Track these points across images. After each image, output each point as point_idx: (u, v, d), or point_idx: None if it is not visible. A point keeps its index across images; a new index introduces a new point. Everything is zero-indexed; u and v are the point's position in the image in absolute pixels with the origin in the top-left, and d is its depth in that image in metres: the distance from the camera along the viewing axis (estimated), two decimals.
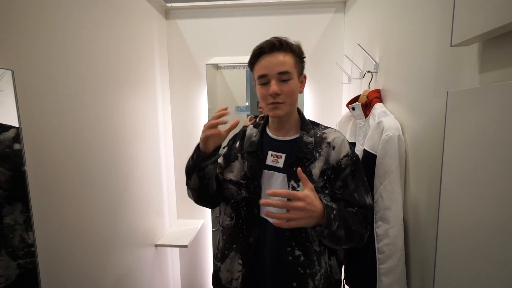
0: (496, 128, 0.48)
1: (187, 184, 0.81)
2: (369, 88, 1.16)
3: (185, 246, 1.53)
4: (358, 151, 1.10)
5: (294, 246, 0.74)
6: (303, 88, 0.80)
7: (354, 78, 1.42)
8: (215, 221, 1.79)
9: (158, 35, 1.59)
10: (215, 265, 0.85)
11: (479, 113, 0.51)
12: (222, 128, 0.73)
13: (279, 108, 0.74)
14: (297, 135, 0.80)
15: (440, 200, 0.62)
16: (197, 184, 0.77)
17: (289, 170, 0.76)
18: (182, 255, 1.87)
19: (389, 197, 0.86)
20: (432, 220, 0.74)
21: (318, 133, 0.80)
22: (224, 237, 0.82)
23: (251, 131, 0.87)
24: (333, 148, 0.77)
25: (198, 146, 0.76)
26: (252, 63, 0.77)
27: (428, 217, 0.77)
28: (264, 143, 0.82)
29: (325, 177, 0.75)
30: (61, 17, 0.84)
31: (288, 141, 0.80)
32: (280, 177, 0.77)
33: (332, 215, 0.66)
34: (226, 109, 0.70)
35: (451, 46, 0.57)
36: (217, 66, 1.71)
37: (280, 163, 0.77)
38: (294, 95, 0.76)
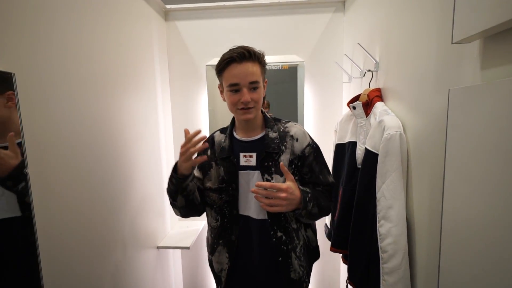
0: (499, 126, 0.48)
1: (173, 205, 0.90)
2: (369, 87, 1.16)
3: (187, 248, 1.53)
4: (360, 150, 1.09)
5: (276, 230, 0.86)
6: (265, 91, 0.89)
7: (354, 77, 1.42)
8: None
9: (158, 36, 1.60)
10: (208, 257, 0.97)
11: (481, 110, 0.51)
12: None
13: (249, 112, 0.83)
14: (263, 133, 0.88)
15: (443, 198, 0.62)
16: (184, 202, 0.86)
17: (261, 166, 0.85)
18: (184, 257, 1.87)
19: (391, 195, 0.86)
20: (436, 218, 0.74)
21: (281, 128, 0.89)
22: (212, 235, 0.93)
23: (219, 137, 0.93)
24: (296, 140, 0.88)
25: (174, 169, 0.83)
26: (221, 70, 0.83)
27: (431, 216, 0.77)
28: (234, 147, 0.89)
29: (293, 166, 0.87)
30: (60, 20, 0.84)
31: (256, 140, 0.88)
32: (255, 174, 0.85)
33: (307, 198, 0.81)
34: (199, 132, 0.77)
35: (452, 43, 0.57)
36: None
37: (253, 162, 0.86)
38: (261, 100, 0.86)
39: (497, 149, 0.48)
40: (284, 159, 0.85)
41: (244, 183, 0.87)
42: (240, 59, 0.79)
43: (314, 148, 0.89)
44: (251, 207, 0.87)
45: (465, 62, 0.62)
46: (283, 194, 0.76)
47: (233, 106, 0.84)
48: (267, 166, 0.85)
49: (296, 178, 0.86)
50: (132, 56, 1.29)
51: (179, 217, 1.84)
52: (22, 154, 0.67)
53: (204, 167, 0.92)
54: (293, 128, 0.90)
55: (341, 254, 1.29)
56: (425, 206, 0.80)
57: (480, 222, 0.52)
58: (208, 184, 0.90)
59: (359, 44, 1.17)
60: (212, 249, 0.93)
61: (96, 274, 0.99)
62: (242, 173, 0.87)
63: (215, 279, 0.96)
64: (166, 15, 1.69)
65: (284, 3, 1.62)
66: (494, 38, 0.53)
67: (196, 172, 0.93)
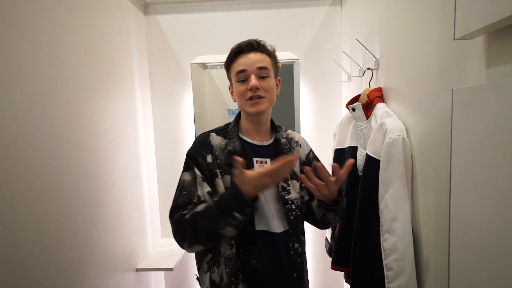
0: (506, 127, 0.48)
1: (202, 242, 0.77)
2: (369, 86, 1.18)
3: (171, 270, 1.50)
4: (360, 155, 1.10)
5: (295, 240, 0.85)
6: (278, 91, 0.88)
7: (353, 76, 1.43)
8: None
9: (136, 32, 1.59)
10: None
11: (486, 111, 0.52)
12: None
13: (260, 103, 0.81)
14: (273, 138, 0.89)
15: (450, 207, 0.62)
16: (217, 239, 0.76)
17: None
18: (167, 279, 1.83)
19: (395, 206, 0.86)
20: (444, 229, 0.74)
21: (284, 135, 0.92)
22: (227, 270, 0.79)
23: (218, 140, 0.85)
24: (300, 146, 0.93)
25: (240, 200, 0.70)
26: (230, 62, 0.84)
27: (439, 227, 0.77)
28: (245, 150, 0.84)
29: (300, 173, 0.88)
30: (27, 13, 0.83)
31: (269, 145, 0.88)
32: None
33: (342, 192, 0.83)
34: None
35: (454, 39, 0.58)
36: (204, 66, 1.71)
37: None
38: (273, 92, 0.84)
39: (505, 152, 0.49)
40: (296, 166, 0.88)
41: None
42: (248, 49, 0.81)
43: (314, 154, 0.96)
44: (270, 220, 0.81)
45: (469, 59, 0.63)
46: (332, 178, 0.74)
47: (241, 98, 0.82)
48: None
49: (303, 185, 0.87)
50: (107, 54, 1.28)
51: (162, 236, 1.82)
52: None
53: (207, 179, 0.81)
54: (295, 135, 0.95)
55: (343, 273, 1.28)
56: (432, 217, 0.80)
57: (490, 232, 0.52)
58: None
59: (357, 40, 1.19)
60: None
61: None
62: None
63: None
64: (146, 9, 1.69)
65: None
66: (499, 33, 0.55)
67: (205, 186, 0.80)
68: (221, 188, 0.80)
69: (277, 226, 0.83)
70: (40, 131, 0.88)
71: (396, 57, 0.99)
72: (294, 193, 0.86)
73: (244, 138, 0.86)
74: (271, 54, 0.85)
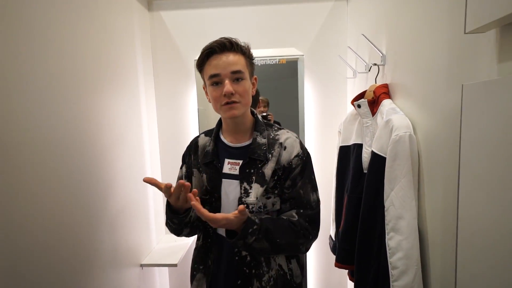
0: None
1: (176, 234, 0.91)
2: (376, 82, 1.16)
3: (175, 265, 1.51)
4: (366, 153, 1.09)
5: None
6: (255, 90, 0.87)
7: (359, 72, 1.41)
8: None
9: (140, 28, 1.59)
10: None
11: (498, 107, 0.51)
12: None
13: (234, 108, 0.80)
14: (251, 140, 0.86)
15: (458, 206, 0.61)
16: (189, 230, 0.89)
17: (241, 172, 0.83)
18: (171, 275, 1.84)
19: (401, 204, 0.85)
20: (451, 228, 0.73)
21: (271, 135, 0.87)
22: (193, 257, 0.92)
23: (203, 140, 0.92)
24: (285, 148, 0.85)
25: (170, 209, 0.83)
26: (201, 63, 0.82)
27: (446, 226, 0.76)
28: (220, 151, 0.88)
29: (275, 177, 0.83)
30: (30, 10, 0.83)
31: (245, 147, 0.86)
32: (235, 184, 0.84)
33: (250, 230, 0.74)
34: (168, 186, 0.74)
35: (464, 33, 0.56)
36: None
37: (238, 170, 0.84)
38: (248, 95, 0.82)
39: None
40: (268, 168, 0.82)
41: (225, 193, 0.85)
42: (220, 49, 0.78)
43: (303, 160, 0.85)
44: None
45: (480, 54, 0.61)
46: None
47: (216, 103, 0.81)
48: (248, 173, 0.82)
49: (276, 192, 0.84)
50: (111, 51, 1.28)
51: (166, 232, 1.83)
52: None
53: (188, 176, 0.91)
54: (283, 135, 0.87)
55: (347, 270, 1.28)
56: (439, 216, 0.79)
57: (499, 232, 0.51)
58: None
59: (363, 35, 1.17)
60: (192, 276, 0.91)
61: None
62: (225, 181, 0.85)
63: None
64: (150, 5, 1.69)
65: None
66: None
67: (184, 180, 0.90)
68: (195, 186, 0.88)
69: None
70: (45, 128, 0.88)
71: (404, 52, 0.97)
72: (253, 197, 0.81)
73: (222, 138, 0.89)
74: (245, 53, 0.81)
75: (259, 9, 1.66)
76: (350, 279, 1.21)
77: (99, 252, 1.15)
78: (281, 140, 0.86)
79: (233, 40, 0.79)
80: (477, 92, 0.56)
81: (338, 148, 1.33)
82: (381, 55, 1.12)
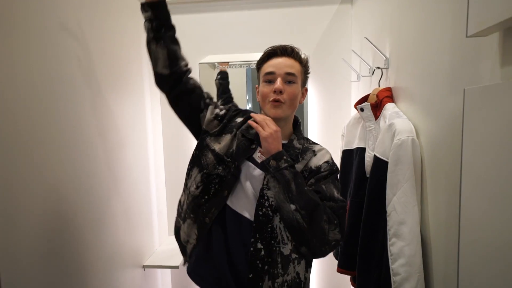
0: None
1: (154, 48, 0.94)
2: (379, 86, 1.15)
3: (177, 267, 1.51)
4: (368, 157, 1.08)
5: (258, 238, 0.81)
6: (303, 100, 0.90)
7: (363, 76, 1.41)
8: None
9: None
10: (177, 221, 0.94)
11: (500, 112, 0.50)
12: None
13: (279, 107, 0.83)
14: (288, 140, 0.89)
15: (460, 212, 0.60)
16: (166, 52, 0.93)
17: (267, 163, 0.82)
18: (174, 277, 1.84)
19: (403, 210, 0.84)
20: (454, 235, 0.72)
21: (305, 144, 0.91)
22: (187, 201, 0.90)
23: (243, 120, 0.93)
24: (315, 155, 0.88)
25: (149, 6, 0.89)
26: (261, 63, 0.87)
27: (449, 232, 0.75)
28: (258, 139, 0.87)
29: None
30: (36, 12, 0.85)
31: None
32: (258, 175, 0.84)
33: (285, 157, 0.79)
34: None
35: (466, 36, 0.55)
36: (214, 66, 1.71)
37: None
38: (295, 100, 0.86)
39: None
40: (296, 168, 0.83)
41: (244, 176, 0.84)
42: (281, 53, 0.84)
43: (332, 169, 0.86)
44: (244, 204, 0.84)
45: (483, 58, 0.60)
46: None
47: (265, 99, 0.84)
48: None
49: None
50: (117, 53, 1.30)
51: (169, 233, 1.83)
52: None
53: (224, 127, 0.89)
54: (317, 147, 0.91)
55: (349, 276, 1.26)
56: (442, 221, 0.78)
57: (502, 238, 0.50)
58: (214, 146, 0.87)
59: (366, 38, 1.17)
60: (184, 217, 0.90)
61: None
62: (249, 164, 0.85)
63: (180, 250, 0.95)
64: None
65: None
66: None
67: (217, 110, 0.91)
68: (224, 142, 0.87)
69: (247, 213, 0.83)
70: (49, 129, 0.90)
71: (407, 56, 0.97)
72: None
73: None
74: (302, 62, 0.86)
75: (263, 12, 1.67)
76: (353, 285, 1.19)
77: (102, 253, 1.16)
78: (315, 149, 0.90)
79: (295, 48, 0.85)
80: (479, 96, 0.55)
81: (341, 151, 1.32)
82: (385, 58, 1.11)
